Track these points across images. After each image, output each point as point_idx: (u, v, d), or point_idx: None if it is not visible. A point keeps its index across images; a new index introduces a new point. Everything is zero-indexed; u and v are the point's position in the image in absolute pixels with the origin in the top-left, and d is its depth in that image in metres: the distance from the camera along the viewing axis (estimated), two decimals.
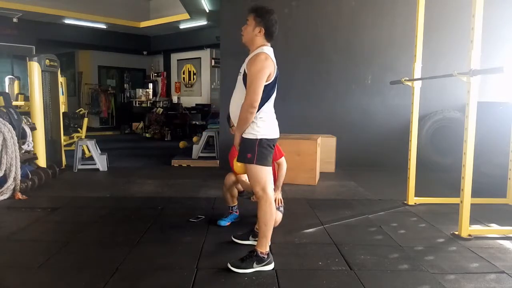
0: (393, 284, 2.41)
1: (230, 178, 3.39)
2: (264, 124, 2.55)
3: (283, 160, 3.53)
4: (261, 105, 2.52)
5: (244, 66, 2.56)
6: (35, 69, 5.52)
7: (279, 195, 3.51)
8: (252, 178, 2.58)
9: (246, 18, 2.63)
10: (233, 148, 3.37)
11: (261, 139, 2.53)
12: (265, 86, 2.49)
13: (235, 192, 3.45)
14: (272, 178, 2.72)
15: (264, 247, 2.55)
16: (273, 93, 2.59)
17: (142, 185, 5.11)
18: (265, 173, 2.57)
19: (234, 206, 3.52)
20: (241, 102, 2.51)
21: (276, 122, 2.68)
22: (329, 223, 3.56)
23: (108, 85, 13.94)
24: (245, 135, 2.55)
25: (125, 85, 14.33)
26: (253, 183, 2.58)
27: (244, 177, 3.26)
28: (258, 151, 2.52)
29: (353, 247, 2.98)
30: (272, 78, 2.53)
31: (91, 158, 6.25)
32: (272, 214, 2.56)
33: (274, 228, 3.33)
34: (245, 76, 2.52)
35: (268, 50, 2.56)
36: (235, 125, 2.61)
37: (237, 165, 2.75)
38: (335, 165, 6.05)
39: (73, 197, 4.48)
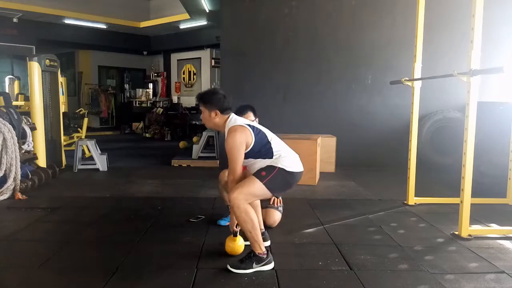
0: (393, 284, 2.41)
1: (225, 174, 3.38)
2: (285, 159, 2.58)
3: None
4: (270, 147, 2.57)
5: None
6: (35, 69, 5.52)
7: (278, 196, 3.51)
8: (244, 185, 2.50)
9: (200, 107, 2.69)
10: None
11: (280, 168, 2.54)
12: (253, 147, 2.53)
13: None
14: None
15: (259, 248, 2.53)
16: (266, 137, 2.61)
17: (142, 185, 5.10)
18: (260, 193, 2.54)
19: None
20: (260, 165, 2.58)
21: (297, 157, 2.68)
22: (329, 223, 3.56)
23: (108, 85, 13.94)
24: (267, 163, 2.57)
25: (125, 85, 14.34)
26: (238, 188, 2.48)
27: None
28: (274, 174, 2.52)
29: (353, 247, 2.98)
30: (253, 140, 2.54)
31: (91, 158, 6.25)
32: (251, 219, 2.49)
33: (274, 228, 3.35)
34: None
35: (232, 121, 2.60)
36: None
37: (229, 246, 2.73)
38: (335, 165, 6.05)
39: (73, 197, 4.48)
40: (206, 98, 2.63)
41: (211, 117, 2.62)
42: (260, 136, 2.59)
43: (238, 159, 2.51)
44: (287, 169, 2.56)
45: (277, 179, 2.54)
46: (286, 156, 2.60)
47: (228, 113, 2.64)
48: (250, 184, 2.51)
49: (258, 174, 2.54)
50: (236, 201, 2.45)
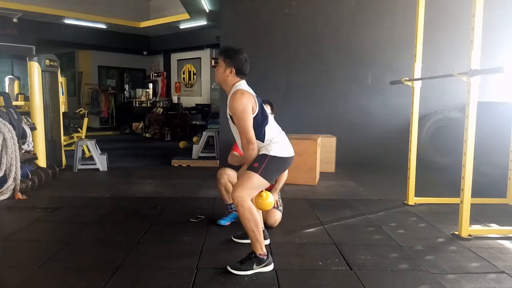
0: (393, 284, 2.41)
1: (223, 172, 3.38)
2: (276, 145, 2.59)
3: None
4: (263, 132, 2.57)
5: (228, 110, 2.60)
6: (35, 69, 5.52)
7: (276, 197, 3.51)
8: (242, 182, 2.52)
9: (216, 60, 2.68)
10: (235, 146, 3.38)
11: (272, 156, 2.56)
12: (254, 117, 2.54)
13: (230, 187, 3.43)
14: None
15: (260, 249, 2.53)
16: (266, 118, 2.61)
17: (142, 185, 5.10)
18: (258, 184, 2.55)
19: (233, 204, 3.50)
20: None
21: (288, 142, 2.71)
22: (329, 223, 3.56)
23: (108, 85, 13.95)
24: (259, 152, 2.59)
25: (125, 85, 14.34)
26: (239, 185, 2.51)
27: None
28: (266, 164, 2.53)
29: (353, 247, 2.98)
30: (257, 109, 2.56)
31: (91, 158, 6.25)
32: (255, 218, 2.50)
33: (274, 228, 3.35)
34: (232, 118, 2.57)
35: (243, 85, 2.61)
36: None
37: (258, 202, 2.68)
38: (335, 165, 6.05)
39: (73, 197, 4.48)
40: (229, 54, 2.63)
41: (225, 73, 2.62)
42: (261, 113, 2.59)
43: (249, 121, 2.50)
44: (278, 155, 2.58)
45: (270, 167, 2.55)
46: (277, 142, 2.61)
47: (241, 77, 2.64)
48: (247, 179, 2.52)
49: (251, 167, 2.54)
50: (239, 199, 2.46)
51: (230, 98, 2.57)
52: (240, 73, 2.62)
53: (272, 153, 2.56)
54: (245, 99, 2.50)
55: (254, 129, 2.54)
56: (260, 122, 2.58)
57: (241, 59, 2.61)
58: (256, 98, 2.59)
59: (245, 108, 2.49)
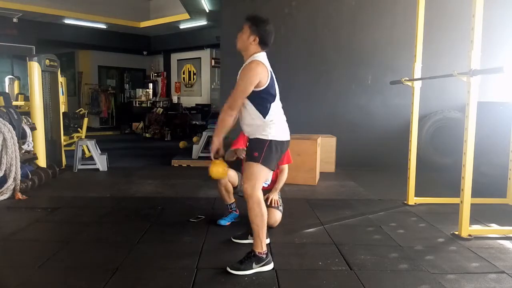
0: (393, 284, 2.41)
1: None
2: (275, 127, 2.58)
3: (286, 167, 3.57)
4: (268, 108, 2.55)
5: (238, 77, 2.58)
6: (35, 69, 5.51)
7: (276, 196, 3.52)
8: (248, 174, 2.54)
9: (242, 26, 2.63)
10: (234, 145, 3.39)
11: (271, 140, 2.55)
12: (262, 91, 2.52)
13: (230, 187, 3.43)
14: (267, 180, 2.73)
15: (260, 247, 2.53)
16: (274, 95, 2.59)
17: (142, 185, 5.10)
18: (263, 174, 2.56)
19: (233, 204, 3.51)
20: (250, 118, 2.57)
21: (287, 125, 2.70)
22: (329, 223, 3.56)
23: (108, 85, 13.95)
24: (256, 136, 2.58)
25: (125, 85, 14.35)
26: (246, 179, 2.53)
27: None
28: (266, 151, 2.53)
29: (353, 247, 2.98)
30: (266, 83, 2.53)
31: (91, 158, 6.25)
32: (262, 214, 2.52)
33: (274, 228, 3.35)
34: None
35: (261, 56, 2.57)
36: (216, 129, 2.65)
37: (213, 171, 2.73)
38: (335, 165, 6.05)
39: (73, 197, 4.48)
40: (256, 21, 2.56)
41: (248, 40, 2.57)
42: (271, 87, 2.56)
43: (245, 90, 2.48)
44: (276, 138, 2.56)
45: (269, 153, 2.54)
46: (276, 123, 2.59)
47: (263, 48, 2.61)
48: (251, 171, 2.53)
49: (252, 157, 2.54)
50: (248, 190, 2.48)
51: (244, 65, 2.55)
52: (263, 44, 2.58)
53: (270, 137, 2.55)
54: (258, 70, 2.48)
55: (258, 101, 2.52)
56: (267, 96, 2.54)
57: (267, 29, 2.57)
58: (269, 73, 2.56)
59: (252, 78, 2.47)
